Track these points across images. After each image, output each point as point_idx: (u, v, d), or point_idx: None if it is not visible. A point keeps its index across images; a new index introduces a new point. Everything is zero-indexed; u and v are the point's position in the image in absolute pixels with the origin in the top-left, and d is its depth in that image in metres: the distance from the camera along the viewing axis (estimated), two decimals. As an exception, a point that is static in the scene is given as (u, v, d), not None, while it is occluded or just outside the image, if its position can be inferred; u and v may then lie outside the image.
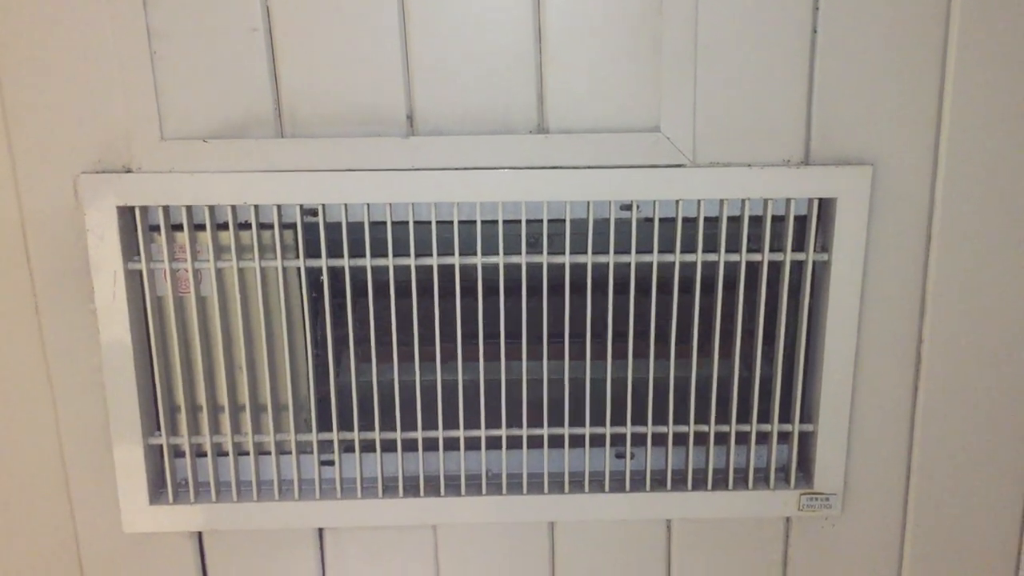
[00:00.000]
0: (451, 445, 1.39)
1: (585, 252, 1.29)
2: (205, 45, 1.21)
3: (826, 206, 1.29)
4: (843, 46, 1.23)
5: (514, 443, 1.39)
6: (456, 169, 1.24)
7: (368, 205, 1.27)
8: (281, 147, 1.24)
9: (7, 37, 1.20)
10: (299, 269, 1.31)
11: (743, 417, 1.38)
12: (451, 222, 1.27)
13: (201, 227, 1.29)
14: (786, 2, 1.21)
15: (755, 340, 1.36)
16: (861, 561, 1.46)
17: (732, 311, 1.33)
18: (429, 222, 1.28)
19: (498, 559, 1.45)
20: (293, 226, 1.29)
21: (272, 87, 1.23)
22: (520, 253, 1.29)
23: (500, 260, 1.29)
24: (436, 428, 1.36)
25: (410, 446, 1.39)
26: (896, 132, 1.25)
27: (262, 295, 1.31)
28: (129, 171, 1.24)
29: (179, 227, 1.29)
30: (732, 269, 1.31)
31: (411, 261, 1.29)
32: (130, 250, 1.28)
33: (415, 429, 1.36)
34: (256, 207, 1.26)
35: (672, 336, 1.32)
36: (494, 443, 1.39)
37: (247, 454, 1.38)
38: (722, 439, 1.40)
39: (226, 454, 1.37)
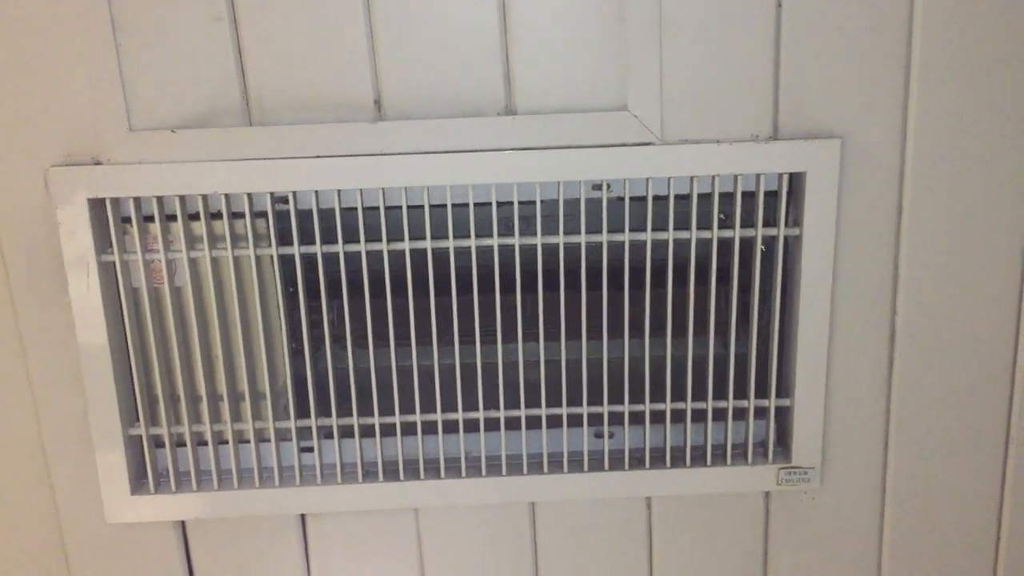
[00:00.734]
0: (430, 429, 1.39)
1: (558, 234, 1.29)
2: (170, 35, 1.21)
3: (796, 180, 1.29)
4: (809, 19, 1.22)
5: (492, 425, 1.39)
6: (425, 153, 1.24)
7: (339, 192, 1.27)
8: (249, 135, 1.24)
9: (-29, 32, 1.20)
10: (272, 257, 1.31)
11: (720, 394, 1.38)
12: (422, 207, 1.27)
13: (173, 218, 1.29)
14: (750, -23, 1.21)
15: (729, 317, 1.36)
16: (842, 533, 1.46)
17: (706, 289, 1.33)
18: (401, 207, 1.28)
19: (481, 541, 1.46)
20: (266, 214, 1.29)
21: (239, 76, 1.23)
22: (492, 236, 1.29)
23: (472, 243, 1.29)
24: (414, 412, 1.37)
25: (389, 431, 1.39)
26: (864, 104, 1.25)
27: (239, 284, 1.32)
28: (99, 163, 1.25)
29: (152, 218, 1.29)
30: (705, 247, 1.31)
31: (383, 247, 1.29)
32: (103, 242, 1.29)
33: (393, 414, 1.37)
34: (227, 196, 1.27)
35: (647, 315, 1.33)
36: (472, 426, 1.39)
37: (227, 443, 1.38)
38: (700, 416, 1.40)
39: (206, 443, 1.38)
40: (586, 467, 1.40)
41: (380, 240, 1.28)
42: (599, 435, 1.42)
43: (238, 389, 1.37)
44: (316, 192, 1.27)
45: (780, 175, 1.28)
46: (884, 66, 1.24)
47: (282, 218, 1.30)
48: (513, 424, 1.40)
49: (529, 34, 1.22)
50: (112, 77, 1.21)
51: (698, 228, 1.30)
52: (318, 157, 1.24)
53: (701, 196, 1.30)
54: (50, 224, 1.27)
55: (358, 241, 1.29)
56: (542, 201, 1.29)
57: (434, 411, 1.37)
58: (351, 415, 1.37)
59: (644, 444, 1.40)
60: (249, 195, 1.27)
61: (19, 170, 1.25)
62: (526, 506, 1.44)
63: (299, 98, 1.24)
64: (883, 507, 1.45)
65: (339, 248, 1.29)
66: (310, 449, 1.40)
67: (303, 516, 1.44)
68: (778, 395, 1.39)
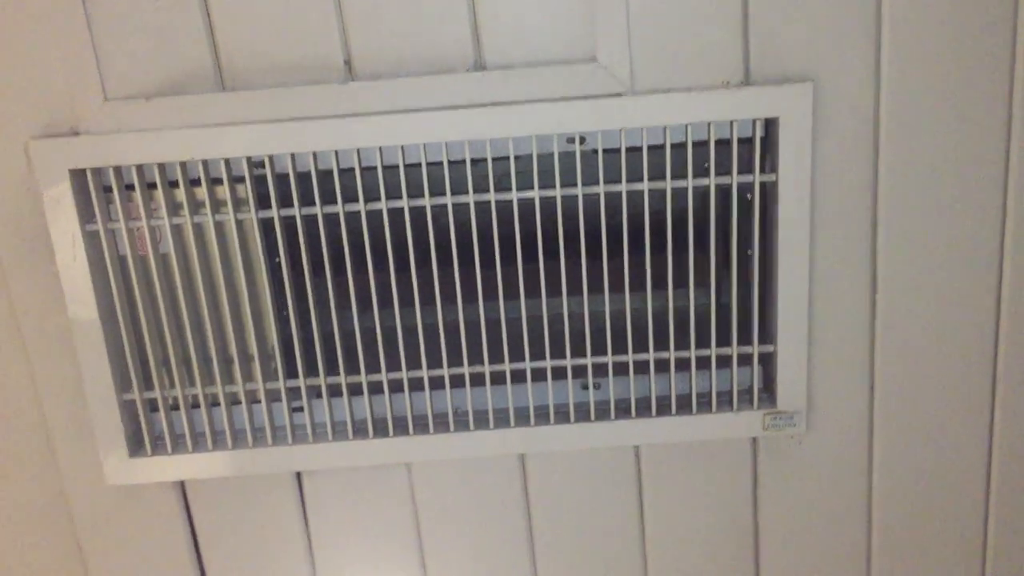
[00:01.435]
0: (417, 386, 1.41)
1: (533, 188, 1.30)
2: (140, 4, 1.22)
3: (770, 126, 1.28)
4: (778, -38, 1.21)
5: (478, 380, 1.41)
6: (396, 112, 1.25)
7: (315, 154, 1.28)
8: (222, 101, 1.25)
9: (-56, 9, 1.22)
10: (252, 221, 1.32)
11: (704, 342, 1.39)
12: (398, 167, 1.28)
13: (154, 186, 1.31)
14: (715, -80, 1.19)
15: (709, 265, 1.37)
16: (830, 476, 1.48)
17: (686, 239, 1.33)
18: (376, 168, 1.29)
19: (473, 493, 1.48)
20: (245, 179, 1.31)
21: (209, 41, 1.24)
22: (468, 193, 1.30)
23: (448, 200, 1.30)
24: (400, 370, 1.39)
25: (376, 388, 1.42)
26: (836, 46, 1.24)
27: (225, 249, 1.34)
28: (77, 133, 1.27)
29: (133, 187, 1.31)
30: (682, 197, 1.31)
31: (360, 207, 1.30)
32: (87, 212, 1.31)
33: (379, 371, 1.39)
34: (205, 162, 1.28)
35: (625, 266, 1.33)
36: (459, 382, 1.41)
37: (219, 405, 1.42)
38: (684, 365, 1.41)
39: (199, 406, 1.41)
40: (572, 418, 1.42)
41: (358, 201, 1.30)
42: (585, 387, 1.43)
43: (228, 352, 1.40)
44: (292, 155, 1.28)
45: (753, 121, 1.27)
46: (855, 6, 1.23)
47: (262, 183, 1.32)
48: (499, 379, 1.42)
49: (496, -12, 1.22)
50: (85, 48, 1.23)
51: (673, 178, 1.30)
52: (291, 120, 1.25)
53: (677, 146, 1.29)
54: (34, 196, 1.29)
55: (336, 203, 1.30)
56: (517, 157, 1.29)
57: (419, 368, 1.39)
58: (339, 374, 1.39)
59: (630, 394, 1.42)
60: (227, 160, 1.28)
61: (1, 144, 1.27)
62: (516, 458, 1.47)
63: (270, 62, 1.25)
64: (871, 449, 1.46)
65: (317, 210, 1.30)
66: (301, 409, 1.43)
67: (299, 474, 1.47)
68: (761, 342, 1.39)
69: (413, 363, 1.39)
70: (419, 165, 1.29)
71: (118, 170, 1.29)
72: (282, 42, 1.24)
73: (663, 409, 1.42)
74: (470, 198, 1.30)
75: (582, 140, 1.29)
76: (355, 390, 1.42)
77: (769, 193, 1.32)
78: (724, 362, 1.41)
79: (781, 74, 1.25)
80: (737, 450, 1.47)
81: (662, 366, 1.42)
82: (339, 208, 1.30)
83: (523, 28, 1.23)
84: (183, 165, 1.29)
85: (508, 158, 1.29)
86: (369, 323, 1.37)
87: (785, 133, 1.26)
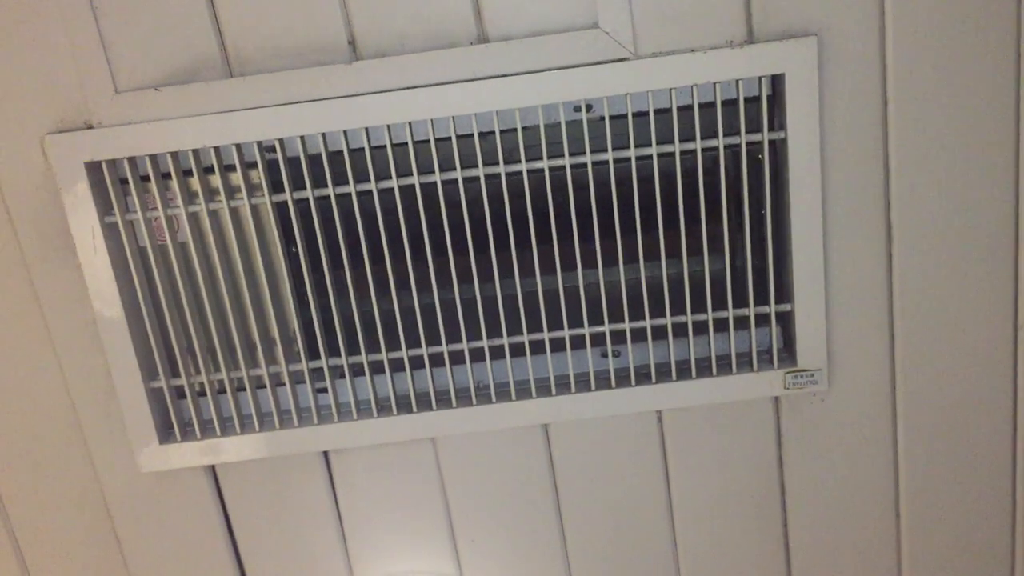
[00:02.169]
0: (437, 361, 1.43)
1: (542, 159, 1.31)
2: (144, -5, 1.24)
3: (776, 83, 1.28)
4: (776, -84, 1.20)
5: (498, 353, 1.43)
6: (402, 89, 1.26)
7: (324, 135, 1.29)
8: (230, 87, 1.26)
9: (-45, 11, 1.24)
10: (267, 205, 1.34)
11: (720, 304, 1.39)
12: (406, 144, 1.29)
13: (169, 175, 1.33)
14: None
15: (722, 227, 1.36)
16: (854, 432, 1.47)
17: (696, 202, 1.33)
18: (386, 147, 1.30)
19: (499, 464, 1.50)
20: (257, 164, 1.32)
21: (215, 29, 1.25)
22: (478, 167, 1.31)
23: (458, 175, 1.31)
24: (420, 346, 1.40)
25: (398, 366, 1.43)
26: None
27: (242, 235, 1.36)
28: (91, 127, 1.29)
29: (148, 178, 1.33)
30: (692, 160, 1.31)
31: (372, 186, 1.31)
32: (105, 204, 1.33)
33: (399, 349, 1.41)
34: (216, 149, 1.30)
35: (638, 233, 1.34)
36: (478, 355, 1.42)
37: (244, 390, 1.44)
38: (703, 329, 1.42)
39: (225, 391, 1.43)
40: (593, 386, 1.43)
41: (370, 181, 1.31)
42: (604, 355, 1.44)
43: (250, 337, 1.42)
44: (302, 138, 1.30)
45: (759, 79, 1.27)
46: (857, -43, 1.22)
47: (275, 168, 1.33)
48: (518, 351, 1.43)
49: (495, -40, 1.22)
50: (93, 41, 1.25)
51: (682, 140, 1.29)
52: (299, 103, 1.27)
53: (683, 109, 1.29)
54: (53, 191, 1.31)
55: (348, 183, 1.31)
56: (524, 129, 1.29)
57: (440, 344, 1.40)
58: (359, 354, 1.41)
59: (649, 360, 1.42)
60: (238, 146, 1.30)
61: (18, 141, 1.30)
62: (539, 429, 1.48)
63: (275, 46, 1.26)
64: (894, 403, 1.46)
65: (330, 191, 1.32)
66: (325, 390, 1.45)
67: (326, 454, 1.49)
68: (778, 301, 1.39)
69: (433, 339, 1.41)
70: (428, 141, 1.30)
71: (133, 161, 1.31)
72: (286, 26, 1.25)
73: (683, 373, 1.43)
74: (480, 171, 1.31)
75: (588, 108, 1.29)
76: (377, 368, 1.44)
77: (779, 151, 1.32)
78: (742, 323, 1.41)
79: (784, 31, 1.25)
80: (760, 411, 1.47)
81: (680, 330, 1.42)
82: (351, 188, 1.32)
83: (524, -2, 1.24)
84: (196, 153, 1.31)
85: (516, 130, 1.30)
86: (387, 302, 1.38)
87: (792, 89, 1.25)
